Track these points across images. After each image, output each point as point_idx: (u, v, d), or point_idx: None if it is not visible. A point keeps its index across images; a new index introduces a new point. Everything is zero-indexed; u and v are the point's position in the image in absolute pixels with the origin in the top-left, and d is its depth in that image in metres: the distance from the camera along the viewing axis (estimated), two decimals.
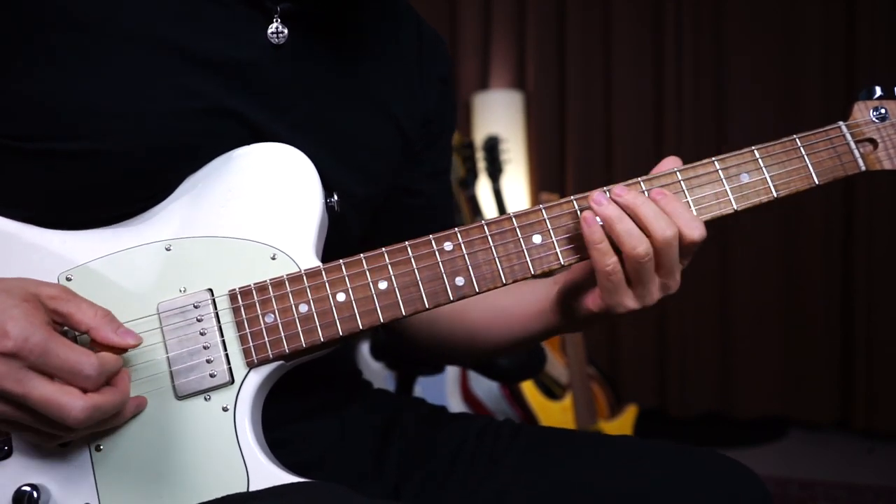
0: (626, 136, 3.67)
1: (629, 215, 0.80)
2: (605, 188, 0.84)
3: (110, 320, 0.73)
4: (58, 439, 0.72)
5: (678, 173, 0.85)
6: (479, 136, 3.54)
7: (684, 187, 0.85)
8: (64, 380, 0.68)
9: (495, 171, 3.27)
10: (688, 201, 0.85)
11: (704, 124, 3.54)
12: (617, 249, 0.81)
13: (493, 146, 3.29)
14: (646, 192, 0.84)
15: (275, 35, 0.88)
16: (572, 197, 0.85)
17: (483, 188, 3.27)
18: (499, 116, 3.64)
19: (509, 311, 1.00)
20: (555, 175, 3.77)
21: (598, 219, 0.80)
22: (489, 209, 3.20)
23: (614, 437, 0.97)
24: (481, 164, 3.28)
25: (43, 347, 0.66)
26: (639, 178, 0.85)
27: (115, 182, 0.81)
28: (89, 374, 0.68)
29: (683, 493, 0.85)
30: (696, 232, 0.81)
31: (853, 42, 3.35)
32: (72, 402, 0.67)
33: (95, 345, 0.72)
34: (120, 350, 0.73)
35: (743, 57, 3.50)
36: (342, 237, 0.91)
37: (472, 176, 3.19)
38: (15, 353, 0.65)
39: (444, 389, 2.81)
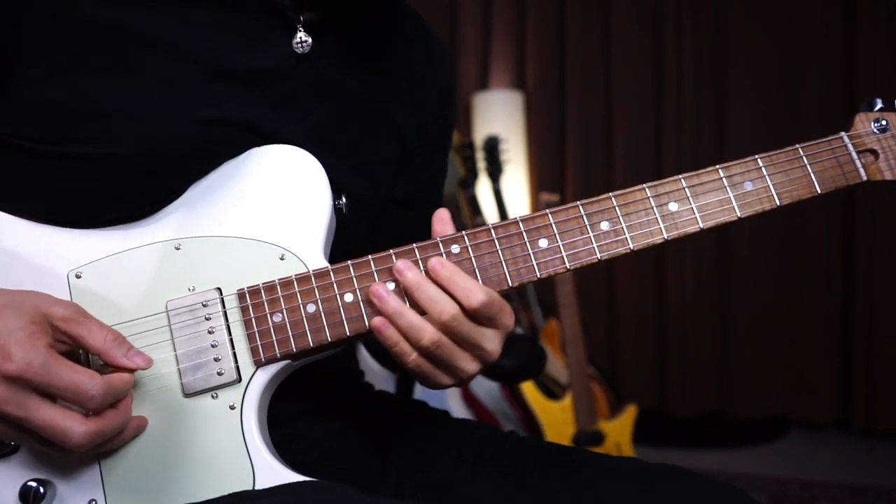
0: (626, 136, 3.67)
1: (411, 297, 0.79)
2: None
3: (120, 343, 0.73)
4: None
5: (683, 181, 0.86)
6: (479, 136, 3.54)
7: (689, 194, 0.86)
8: (68, 401, 0.68)
9: (495, 171, 3.27)
10: (692, 208, 0.85)
11: (704, 124, 3.54)
12: None
13: (493, 146, 3.29)
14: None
15: (300, 45, 0.88)
16: (579, 203, 0.85)
17: (483, 188, 3.27)
18: (499, 116, 3.65)
19: None
20: (555, 175, 3.77)
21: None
22: (489, 209, 3.21)
23: (619, 458, 0.97)
24: (481, 164, 3.28)
25: (45, 371, 0.66)
26: (644, 186, 0.86)
27: (125, 185, 0.81)
28: (93, 395, 0.68)
29: None
30: (475, 300, 0.78)
31: (853, 46, 3.35)
32: (73, 428, 0.67)
33: (107, 367, 0.72)
34: (130, 372, 0.73)
35: (743, 56, 3.50)
36: (346, 240, 0.92)
37: (472, 176, 3.20)
38: (19, 376, 0.66)
39: (445, 390, 2.81)
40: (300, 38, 0.88)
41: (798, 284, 3.51)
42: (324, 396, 0.98)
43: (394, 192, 1.04)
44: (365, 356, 2.49)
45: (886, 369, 3.35)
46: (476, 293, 0.78)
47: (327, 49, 0.91)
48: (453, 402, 2.80)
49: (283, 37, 0.88)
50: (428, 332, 0.77)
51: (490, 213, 3.20)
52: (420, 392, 2.55)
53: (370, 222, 1.01)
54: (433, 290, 0.79)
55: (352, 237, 0.94)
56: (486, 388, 2.82)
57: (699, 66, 3.57)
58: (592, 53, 3.73)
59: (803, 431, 3.53)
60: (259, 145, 0.86)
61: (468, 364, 0.81)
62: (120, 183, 0.81)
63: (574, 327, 2.69)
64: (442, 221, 0.85)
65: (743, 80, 3.51)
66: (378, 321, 0.79)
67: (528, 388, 2.69)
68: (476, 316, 0.79)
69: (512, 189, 3.52)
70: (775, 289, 3.54)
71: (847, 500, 2.83)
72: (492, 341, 0.81)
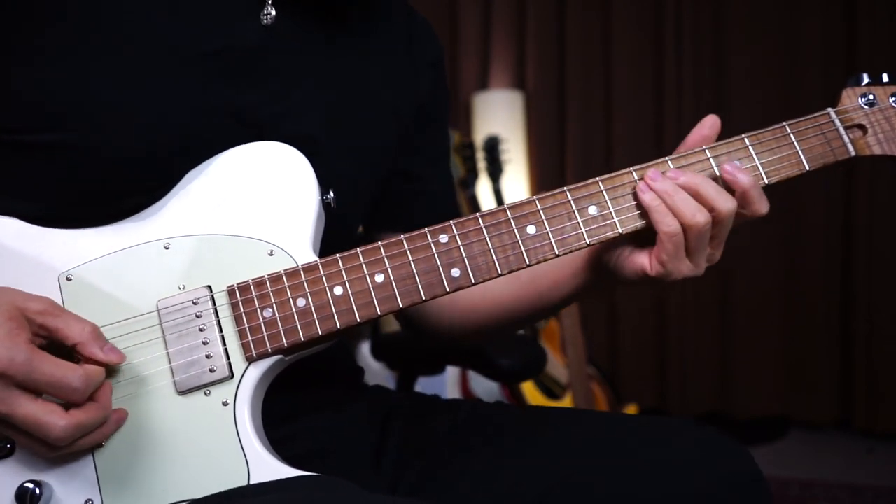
0: (626, 136, 3.67)
1: (690, 194, 0.83)
2: (659, 165, 0.87)
3: (97, 336, 0.73)
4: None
5: (669, 162, 0.87)
6: (479, 136, 3.55)
7: None
8: (51, 394, 0.69)
9: (495, 171, 3.27)
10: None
11: None
12: None
13: (493, 146, 3.29)
14: (711, 161, 0.86)
15: (265, 17, 0.89)
16: (566, 188, 0.86)
17: (483, 188, 3.28)
18: (499, 116, 3.65)
19: (540, 275, 1.00)
20: (555, 175, 3.77)
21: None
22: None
23: (606, 413, 0.98)
24: (481, 164, 3.29)
25: (28, 366, 0.67)
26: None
27: (113, 177, 0.82)
28: (77, 387, 0.69)
29: (676, 468, 0.86)
30: (764, 207, 0.85)
31: (853, 46, 3.36)
32: (54, 421, 0.68)
33: (81, 359, 0.73)
34: (104, 366, 0.73)
35: (743, 56, 3.50)
36: (340, 234, 0.92)
37: (472, 176, 3.20)
38: (2, 373, 0.66)
39: (445, 389, 2.82)
40: (266, 9, 0.89)
41: (798, 284, 3.51)
42: (320, 392, 0.99)
43: (394, 165, 1.05)
44: (365, 355, 2.50)
45: (886, 369, 3.35)
46: (766, 204, 0.85)
47: (298, 23, 0.92)
48: None
49: (254, 12, 0.89)
50: (704, 213, 0.82)
51: None
52: (419, 391, 2.55)
53: (366, 209, 1.02)
54: (716, 186, 0.84)
55: (346, 225, 0.95)
56: (486, 388, 2.82)
57: (699, 66, 3.57)
58: (592, 53, 3.73)
59: (803, 431, 3.53)
60: (243, 126, 0.86)
61: (703, 262, 0.86)
62: (104, 176, 0.81)
63: (574, 327, 2.70)
64: (713, 126, 0.89)
65: (743, 80, 3.50)
66: (641, 182, 0.84)
67: (529, 388, 2.69)
68: (739, 219, 0.85)
69: (512, 189, 3.52)
70: (775, 289, 3.53)
71: (847, 500, 2.83)
72: (723, 246, 0.87)
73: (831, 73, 3.38)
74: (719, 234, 0.85)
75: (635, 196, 0.85)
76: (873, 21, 3.30)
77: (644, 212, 0.85)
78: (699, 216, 0.81)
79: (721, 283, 3.59)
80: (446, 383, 2.83)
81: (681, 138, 0.90)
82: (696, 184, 0.83)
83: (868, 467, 3.16)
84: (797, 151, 0.88)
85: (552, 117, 3.80)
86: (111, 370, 0.77)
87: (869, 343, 3.38)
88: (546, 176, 3.75)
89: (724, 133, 0.90)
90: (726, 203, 0.82)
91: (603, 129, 3.74)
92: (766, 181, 0.87)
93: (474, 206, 3.10)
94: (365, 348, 2.57)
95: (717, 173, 0.86)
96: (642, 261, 0.87)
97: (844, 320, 3.47)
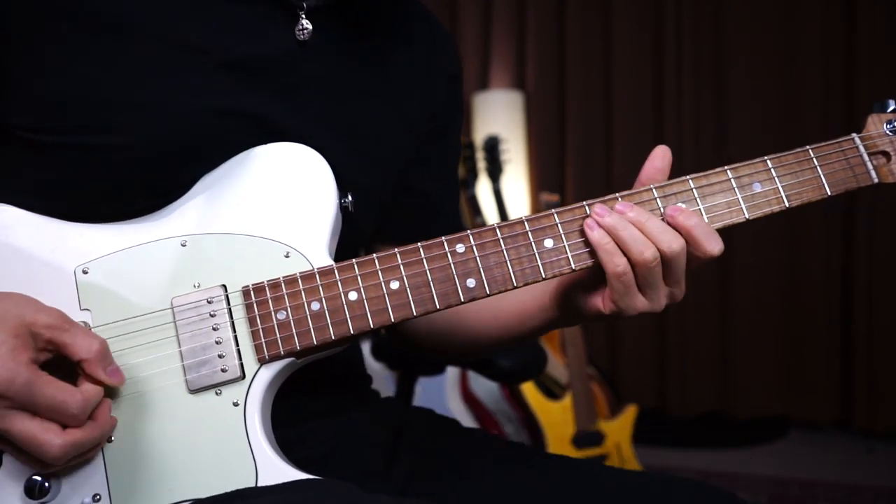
0: (626, 136, 3.68)
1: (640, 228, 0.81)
2: (611, 199, 0.85)
3: (103, 356, 0.73)
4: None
5: (691, 181, 0.86)
6: (479, 136, 3.55)
7: (697, 195, 0.85)
8: (49, 417, 0.68)
9: (495, 171, 3.27)
10: (700, 209, 0.85)
11: (704, 123, 3.55)
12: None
13: (493, 146, 3.29)
14: (658, 201, 0.85)
15: (301, 32, 0.89)
16: (584, 203, 0.84)
17: (483, 188, 3.28)
18: (499, 116, 3.65)
19: (503, 312, 1.00)
20: (555, 175, 3.78)
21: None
22: (489, 209, 3.21)
23: (623, 470, 0.97)
24: (481, 164, 3.29)
25: (28, 388, 0.67)
26: (651, 186, 0.86)
27: (129, 177, 0.82)
28: (75, 413, 0.69)
29: None
30: (715, 247, 0.82)
31: (853, 46, 3.36)
32: (50, 440, 0.68)
33: (83, 374, 0.72)
34: (104, 386, 0.73)
35: (743, 56, 3.51)
36: (354, 238, 0.92)
37: (472, 176, 3.20)
38: (1, 393, 0.66)
39: (445, 390, 2.81)
40: (302, 24, 0.89)
41: (798, 284, 3.52)
42: (331, 397, 0.98)
43: (405, 179, 1.05)
44: (365, 355, 2.50)
45: (886, 369, 3.36)
46: (718, 242, 0.82)
47: (330, 36, 0.92)
48: (453, 403, 2.80)
49: (286, 25, 0.89)
50: (651, 249, 0.80)
51: (490, 214, 3.20)
52: (420, 393, 2.55)
53: (378, 214, 1.01)
54: (662, 224, 0.82)
55: (360, 230, 0.95)
56: (486, 389, 2.82)
57: (699, 66, 3.57)
58: (592, 53, 3.73)
59: (803, 431, 3.54)
60: (262, 134, 0.86)
61: (663, 298, 0.84)
62: (122, 176, 0.81)
63: (574, 327, 2.69)
64: (664, 158, 0.87)
65: (743, 80, 3.51)
66: (590, 219, 0.82)
67: (529, 389, 2.69)
68: (695, 259, 0.83)
69: (512, 189, 3.52)
70: (775, 289, 3.54)
71: (847, 500, 2.84)
72: (684, 286, 0.85)
73: (831, 73, 3.39)
74: (673, 274, 0.83)
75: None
76: (873, 21, 3.30)
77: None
78: (647, 253, 0.80)
79: (721, 283, 3.60)
80: (446, 384, 2.82)
81: (680, 137, 0.90)
82: (642, 221, 0.82)
83: (868, 467, 3.17)
84: (819, 176, 0.87)
85: (552, 117, 3.80)
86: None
87: (869, 343, 3.39)
88: (546, 176, 3.75)
89: (723, 137, 0.89)
90: (671, 243, 0.81)
91: (603, 129, 3.74)
92: (786, 204, 0.86)
93: (474, 206, 3.10)
94: (365, 349, 2.57)
95: (739, 194, 0.86)
96: (596, 301, 0.87)
97: (844, 321, 3.48)
